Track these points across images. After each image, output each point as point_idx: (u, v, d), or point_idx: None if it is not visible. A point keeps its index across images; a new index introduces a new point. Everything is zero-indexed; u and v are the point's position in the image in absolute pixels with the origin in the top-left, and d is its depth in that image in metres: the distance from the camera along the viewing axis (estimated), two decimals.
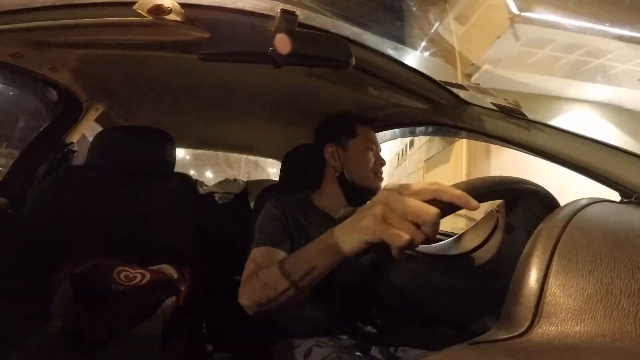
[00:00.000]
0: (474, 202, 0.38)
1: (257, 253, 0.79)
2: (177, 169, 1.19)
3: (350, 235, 0.43)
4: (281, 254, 0.78)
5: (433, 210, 0.37)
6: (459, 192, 0.38)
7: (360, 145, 0.96)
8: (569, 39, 4.49)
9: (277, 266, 0.60)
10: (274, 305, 0.60)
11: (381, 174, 0.97)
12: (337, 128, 1.00)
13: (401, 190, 0.39)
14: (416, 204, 0.38)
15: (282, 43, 0.56)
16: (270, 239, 0.82)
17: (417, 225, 0.37)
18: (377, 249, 0.39)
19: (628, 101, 5.41)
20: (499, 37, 4.32)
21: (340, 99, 0.99)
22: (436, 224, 0.37)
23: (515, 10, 4.31)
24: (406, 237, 0.37)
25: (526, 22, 4.31)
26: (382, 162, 0.97)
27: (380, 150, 1.01)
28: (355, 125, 0.98)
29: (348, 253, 0.44)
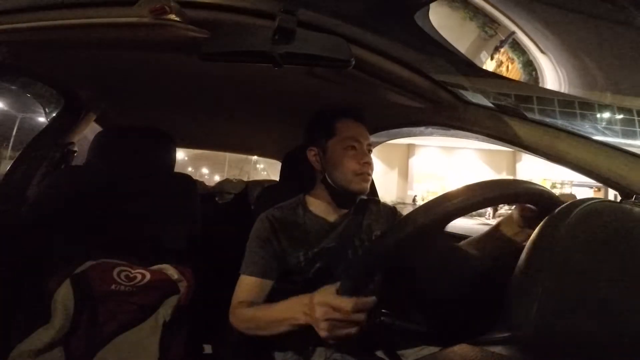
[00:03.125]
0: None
1: (245, 282, 0.82)
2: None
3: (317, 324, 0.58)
4: (268, 284, 0.83)
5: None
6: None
7: (339, 146, 0.87)
8: None
9: (264, 312, 0.73)
10: (264, 338, 0.73)
11: (367, 174, 0.87)
12: (315, 128, 0.93)
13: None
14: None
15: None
16: (258, 268, 0.83)
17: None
18: None
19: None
20: None
21: (340, 99, 0.99)
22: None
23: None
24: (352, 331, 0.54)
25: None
26: (366, 161, 0.87)
27: (369, 145, 0.91)
28: (333, 122, 0.89)
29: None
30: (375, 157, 0.94)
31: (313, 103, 1.00)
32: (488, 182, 0.48)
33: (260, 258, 0.84)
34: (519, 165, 9.78)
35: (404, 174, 9.85)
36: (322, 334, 0.56)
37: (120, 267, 0.89)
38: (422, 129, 1.10)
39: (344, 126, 0.89)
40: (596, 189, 8.71)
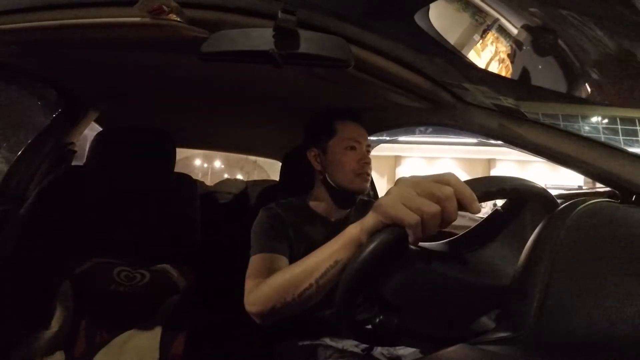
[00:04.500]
0: (477, 206, 0.38)
1: (258, 260, 0.76)
2: None
3: (369, 216, 0.43)
4: (282, 260, 0.76)
5: (448, 189, 0.38)
6: (469, 192, 0.38)
7: (339, 146, 0.88)
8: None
9: (297, 265, 0.59)
10: (289, 309, 0.59)
11: (366, 174, 0.88)
12: (316, 128, 0.94)
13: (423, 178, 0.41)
14: (432, 184, 0.39)
15: None
16: (268, 245, 0.78)
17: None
18: (394, 232, 0.40)
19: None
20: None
21: (340, 99, 0.99)
22: (451, 205, 0.38)
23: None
24: (416, 217, 0.38)
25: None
26: (366, 161, 0.88)
27: (368, 145, 0.92)
28: (333, 122, 0.90)
29: (366, 233, 0.43)
30: None
31: (313, 103, 1.01)
32: (487, 177, 0.48)
33: (270, 238, 0.80)
34: (493, 172, 11.11)
35: (392, 181, 11.29)
36: (404, 200, 0.39)
37: (120, 267, 0.89)
38: (422, 129, 1.10)
39: (344, 127, 0.90)
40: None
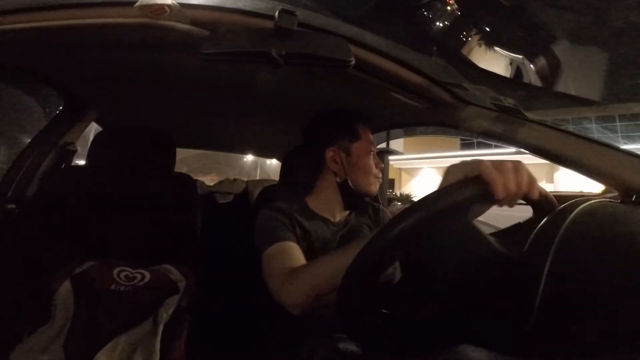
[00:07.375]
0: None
1: (275, 252, 0.77)
2: None
3: (448, 174, 0.44)
4: (297, 248, 0.78)
5: (525, 167, 0.42)
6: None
7: (364, 149, 0.89)
8: None
9: (336, 257, 0.63)
10: (325, 299, 0.61)
11: (380, 178, 0.92)
12: (337, 129, 0.93)
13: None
14: (509, 161, 0.42)
15: None
16: (279, 234, 0.80)
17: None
18: (480, 188, 0.39)
19: None
20: None
21: (340, 99, 0.99)
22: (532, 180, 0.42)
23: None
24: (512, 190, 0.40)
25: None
26: (381, 165, 0.93)
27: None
28: (356, 125, 0.92)
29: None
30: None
31: (313, 103, 1.01)
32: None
33: (280, 228, 0.82)
34: (555, 175, 11.06)
35: None
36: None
37: (120, 267, 0.89)
38: (422, 128, 1.10)
39: (364, 131, 0.92)
40: None
